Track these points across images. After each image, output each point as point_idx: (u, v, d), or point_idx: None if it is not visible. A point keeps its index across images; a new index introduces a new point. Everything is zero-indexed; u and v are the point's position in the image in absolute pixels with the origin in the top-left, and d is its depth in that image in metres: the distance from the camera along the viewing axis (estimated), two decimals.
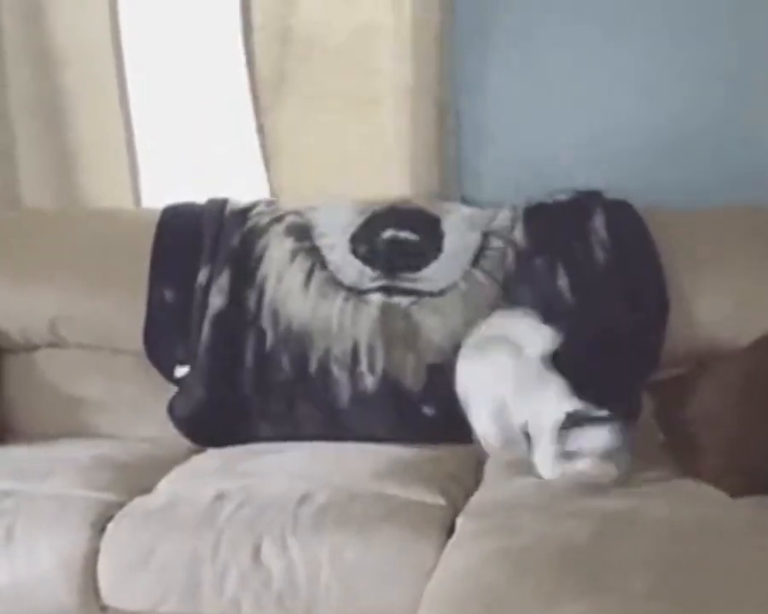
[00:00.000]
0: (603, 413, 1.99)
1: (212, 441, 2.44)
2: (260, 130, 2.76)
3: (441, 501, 2.06)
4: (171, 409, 2.50)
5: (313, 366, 2.45)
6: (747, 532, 1.78)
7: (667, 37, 2.61)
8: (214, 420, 2.48)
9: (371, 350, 2.43)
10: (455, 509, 2.03)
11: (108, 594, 2.02)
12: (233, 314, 2.51)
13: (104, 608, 2.05)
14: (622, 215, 2.47)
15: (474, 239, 2.49)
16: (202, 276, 2.55)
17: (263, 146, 2.77)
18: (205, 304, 2.53)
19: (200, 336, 2.51)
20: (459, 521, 1.97)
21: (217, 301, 2.51)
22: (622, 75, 2.63)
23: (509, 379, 2.17)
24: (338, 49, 2.69)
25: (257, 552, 1.96)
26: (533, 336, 2.18)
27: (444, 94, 2.67)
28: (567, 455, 1.97)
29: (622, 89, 2.64)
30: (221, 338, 2.50)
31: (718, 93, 2.60)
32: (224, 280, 2.52)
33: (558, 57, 2.64)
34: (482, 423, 2.21)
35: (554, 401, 2.06)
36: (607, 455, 1.96)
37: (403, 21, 2.62)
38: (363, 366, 2.43)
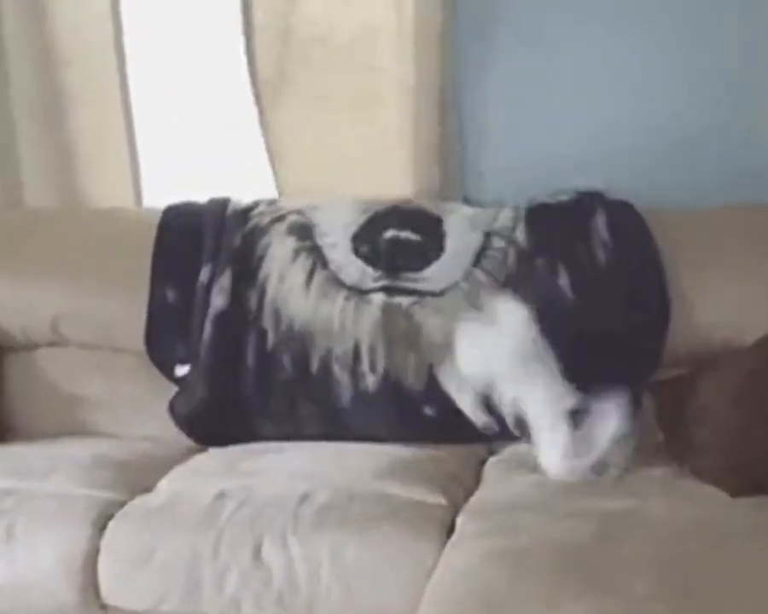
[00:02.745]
0: (610, 400, 2.00)
1: (214, 440, 2.44)
2: (263, 129, 2.76)
3: (442, 500, 2.06)
4: (172, 408, 2.50)
5: (315, 365, 2.45)
6: (747, 533, 1.77)
7: (669, 36, 2.60)
8: (215, 420, 2.47)
9: (372, 350, 2.43)
10: (455, 509, 2.03)
11: (109, 593, 2.02)
12: (234, 314, 2.51)
13: (104, 607, 2.05)
14: (623, 215, 2.47)
15: (475, 239, 2.48)
16: (204, 276, 2.55)
17: (266, 145, 2.76)
18: (206, 304, 2.52)
19: (201, 335, 2.51)
20: (459, 520, 1.97)
21: (218, 301, 2.51)
22: (624, 74, 2.63)
23: (502, 361, 2.16)
24: (339, 49, 2.69)
25: (257, 551, 1.96)
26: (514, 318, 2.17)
27: (446, 93, 2.67)
28: (578, 444, 1.97)
29: (624, 89, 2.63)
30: (222, 338, 2.49)
31: (720, 92, 2.60)
32: (225, 279, 2.52)
33: (560, 56, 2.64)
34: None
35: (552, 389, 2.06)
36: (617, 441, 1.96)
37: (405, 20, 2.62)
38: (365, 366, 2.42)
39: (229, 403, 2.47)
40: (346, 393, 2.43)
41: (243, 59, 2.72)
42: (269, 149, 2.77)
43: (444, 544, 1.89)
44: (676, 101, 2.61)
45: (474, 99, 2.69)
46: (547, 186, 2.54)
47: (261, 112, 2.75)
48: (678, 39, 2.60)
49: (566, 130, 2.66)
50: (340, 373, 2.43)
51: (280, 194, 2.77)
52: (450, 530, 1.95)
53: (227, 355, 2.49)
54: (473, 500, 2.07)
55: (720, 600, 1.55)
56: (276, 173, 2.78)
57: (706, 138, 2.59)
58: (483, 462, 2.30)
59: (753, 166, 2.56)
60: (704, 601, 1.55)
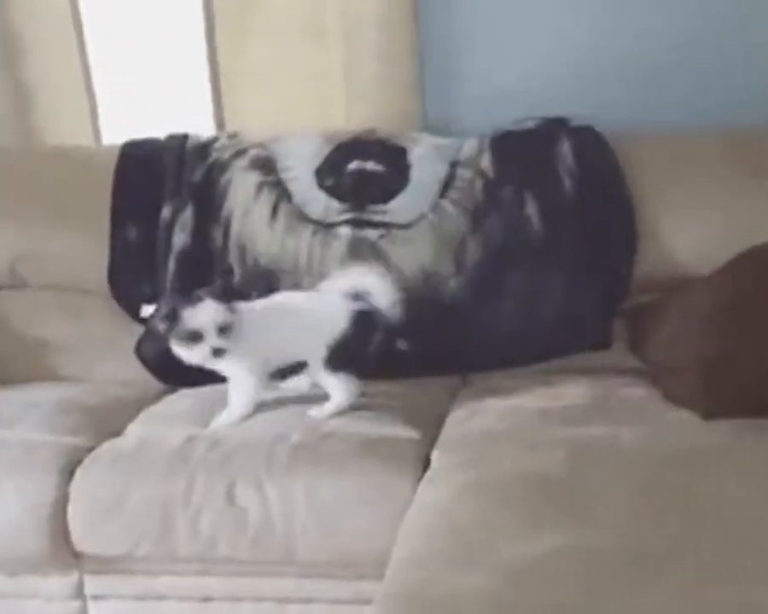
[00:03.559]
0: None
1: (183, 381, 2.40)
2: (213, 62, 2.70)
3: (415, 435, 2.05)
4: (138, 350, 2.46)
5: None
6: (722, 458, 1.78)
7: None
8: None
9: None
10: (430, 442, 2.03)
11: (80, 540, 2.00)
12: (198, 250, 2.46)
13: (77, 554, 2.03)
14: (589, 141, 2.45)
15: (441, 169, 2.45)
16: (166, 212, 2.50)
17: (215, 78, 2.71)
18: (169, 241, 2.48)
19: (165, 274, 2.46)
20: (434, 455, 1.96)
21: (181, 238, 2.46)
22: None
23: None
24: None
25: (231, 493, 1.94)
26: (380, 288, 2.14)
27: (409, 25, 2.60)
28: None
29: (585, 13, 2.59)
30: (187, 276, 2.45)
31: (687, 12, 2.56)
32: (187, 215, 2.48)
33: None
34: None
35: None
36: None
37: None
38: None
39: None
40: None
41: None
42: (220, 82, 2.71)
43: (419, 479, 1.89)
44: (641, 23, 2.57)
45: (435, 28, 2.64)
46: (510, 116, 2.50)
47: (215, 46, 2.68)
48: None
49: (529, 57, 2.63)
50: None
51: (220, 126, 2.72)
52: (426, 463, 1.95)
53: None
54: (444, 432, 2.07)
55: (695, 526, 1.55)
56: (229, 107, 2.72)
57: (675, 61, 2.57)
58: (456, 395, 2.29)
59: (724, 89, 2.54)
60: (681, 528, 1.55)
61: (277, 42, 2.67)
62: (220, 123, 2.76)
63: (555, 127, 2.47)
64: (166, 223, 2.49)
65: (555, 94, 2.57)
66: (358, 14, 2.60)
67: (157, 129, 2.66)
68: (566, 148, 2.43)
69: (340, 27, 2.62)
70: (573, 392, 2.14)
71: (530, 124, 2.49)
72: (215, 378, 2.30)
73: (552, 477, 1.74)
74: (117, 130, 2.81)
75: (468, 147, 2.47)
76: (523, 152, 2.46)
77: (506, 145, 2.47)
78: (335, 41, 2.65)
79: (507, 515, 1.64)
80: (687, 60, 2.56)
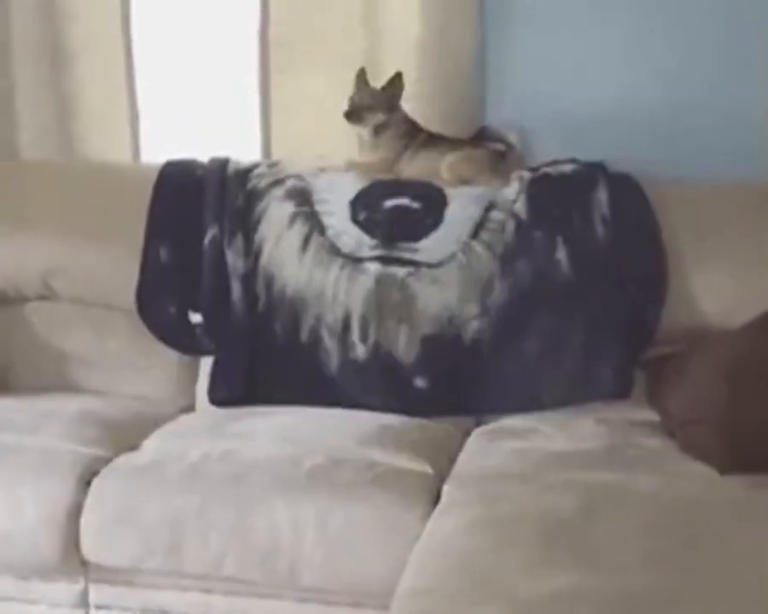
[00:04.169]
0: None
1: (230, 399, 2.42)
2: (265, 90, 2.74)
3: (428, 469, 2.05)
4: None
5: (304, 332, 2.43)
6: (734, 509, 1.77)
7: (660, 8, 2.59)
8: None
9: (364, 320, 2.41)
10: (441, 478, 2.02)
11: (90, 550, 2.02)
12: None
13: (85, 563, 2.04)
14: (625, 189, 2.44)
15: (476, 211, 2.45)
16: (212, 234, 2.51)
17: (266, 105, 2.74)
18: (221, 263, 2.49)
19: (221, 294, 2.47)
20: (445, 489, 1.96)
21: (239, 262, 2.48)
22: (615, 47, 2.62)
23: None
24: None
25: (242, 513, 1.95)
26: None
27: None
28: None
29: (616, 61, 2.62)
30: (251, 298, 2.47)
31: (709, 64, 2.57)
32: (239, 242, 2.49)
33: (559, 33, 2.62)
34: None
35: None
36: None
37: None
38: (355, 335, 2.41)
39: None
40: (334, 362, 2.41)
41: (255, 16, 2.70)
42: (270, 109, 2.74)
43: (429, 513, 1.88)
44: (668, 72, 2.59)
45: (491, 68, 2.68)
46: (546, 155, 2.52)
47: (267, 72, 2.72)
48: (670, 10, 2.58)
49: (565, 102, 2.63)
50: (329, 342, 2.41)
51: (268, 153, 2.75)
52: (437, 498, 1.95)
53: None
54: (456, 468, 2.06)
55: (705, 576, 1.54)
56: (274, 135, 2.75)
57: (712, 111, 2.57)
58: (470, 434, 2.28)
59: (759, 138, 2.53)
60: (689, 576, 1.54)
61: (328, 74, 2.70)
62: (267, 150, 2.78)
63: (592, 173, 2.47)
64: (217, 244, 2.51)
65: (592, 136, 2.58)
66: (405, 47, 2.63)
67: (198, 149, 2.70)
68: (602, 195, 2.43)
69: (389, 60, 2.64)
70: (588, 437, 2.13)
71: (567, 169, 2.50)
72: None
73: (563, 518, 1.74)
74: (156, 148, 2.84)
75: (508, 189, 2.47)
76: (558, 196, 2.46)
77: (542, 188, 2.47)
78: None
79: (515, 552, 1.64)
80: (726, 110, 2.56)
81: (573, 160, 2.50)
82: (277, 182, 2.55)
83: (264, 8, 2.71)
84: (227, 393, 2.43)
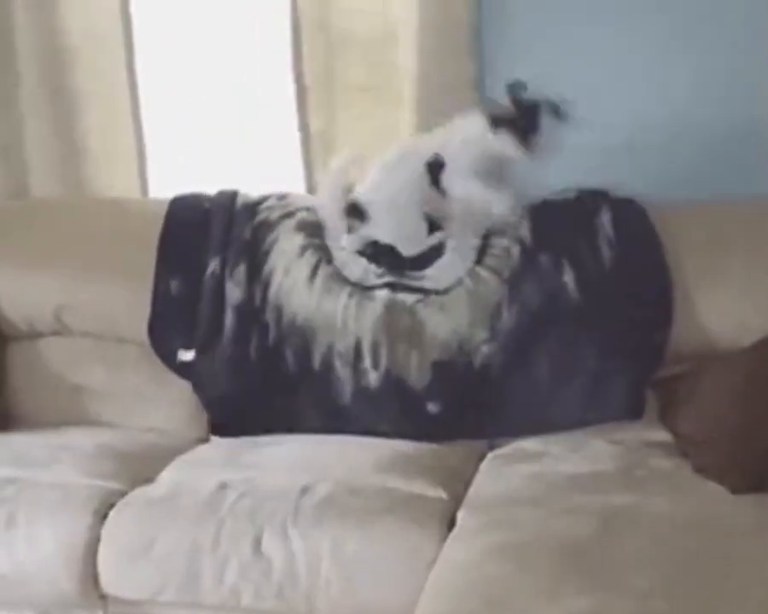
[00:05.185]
0: None
1: (234, 428, 2.44)
2: (304, 128, 2.79)
3: (443, 494, 2.06)
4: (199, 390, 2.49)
5: (316, 361, 2.44)
6: (748, 530, 1.77)
7: (674, 35, 2.61)
8: (235, 409, 2.47)
9: (375, 347, 2.42)
10: (456, 503, 2.03)
11: (108, 583, 2.03)
12: (246, 307, 2.51)
13: (103, 597, 2.05)
14: (629, 212, 2.46)
15: (475, 239, 2.46)
16: (213, 266, 2.54)
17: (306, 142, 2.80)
18: (220, 294, 2.51)
19: (215, 324, 2.49)
20: (460, 515, 1.97)
21: (236, 293, 2.50)
22: (626, 72, 2.64)
23: None
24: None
25: (258, 543, 1.96)
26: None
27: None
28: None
29: (626, 87, 2.64)
30: (246, 329, 2.49)
31: (724, 91, 2.59)
32: (240, 273, 2.52)
33: (565, 56, 2.64)
34: None
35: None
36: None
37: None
38: (367, 362, 2.42)
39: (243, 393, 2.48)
40: (347, 389, 2.42)
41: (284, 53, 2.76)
42: (310, 147, 2.79)
43: (444, 538, 1.89)
44: (679, 98, 2.61)
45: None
46: (548, 184, 2.53)
47: (305, 111, 2.78)
48: (687, 38, 2.60)
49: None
50: (342, 370, 2.43)
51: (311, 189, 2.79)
52: (452, 524, 1.95)
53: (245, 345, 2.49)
54: (471, 493, 2.07)
55: (721, 599, 1.55)
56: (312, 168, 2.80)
57: (709, 135, 2.59)
58: (483, 458, 2.29)
59: (761, 162, 2.56)
60: (704, 599, 1.54)
61: (353, 104, 2.75)
62: (311, 185, 2.81)
63: (594, 198, 2.49)
64: (216, 276, 2.54)
65: (595, 163, 2.60)
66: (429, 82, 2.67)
67: (202, 185, 2.73)
68: (605, 219, 2.44)
69: (414, 94, 2.68)
70: (602, 459, 2.13)
71: (570, 195, 2.52)
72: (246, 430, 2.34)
73: (577, 542, 1.74)
74: (163, 186, 2.88)
75: (502, 218, 2.48)
76: (563, 220, 2.48)
77: (545, 213, 2.49)
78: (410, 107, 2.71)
79: (531, 577, 1.64)
80: (730, 132, 2.58)
81: (573, 189, 2.52)
82: (288, 215, 2.57)
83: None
84: (221, 421, 2.45)
